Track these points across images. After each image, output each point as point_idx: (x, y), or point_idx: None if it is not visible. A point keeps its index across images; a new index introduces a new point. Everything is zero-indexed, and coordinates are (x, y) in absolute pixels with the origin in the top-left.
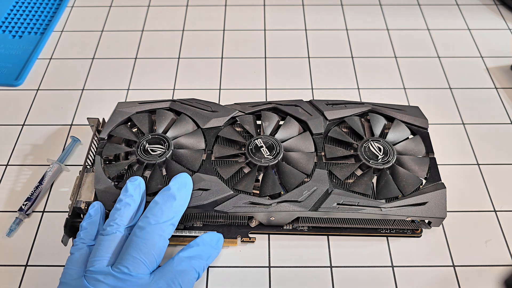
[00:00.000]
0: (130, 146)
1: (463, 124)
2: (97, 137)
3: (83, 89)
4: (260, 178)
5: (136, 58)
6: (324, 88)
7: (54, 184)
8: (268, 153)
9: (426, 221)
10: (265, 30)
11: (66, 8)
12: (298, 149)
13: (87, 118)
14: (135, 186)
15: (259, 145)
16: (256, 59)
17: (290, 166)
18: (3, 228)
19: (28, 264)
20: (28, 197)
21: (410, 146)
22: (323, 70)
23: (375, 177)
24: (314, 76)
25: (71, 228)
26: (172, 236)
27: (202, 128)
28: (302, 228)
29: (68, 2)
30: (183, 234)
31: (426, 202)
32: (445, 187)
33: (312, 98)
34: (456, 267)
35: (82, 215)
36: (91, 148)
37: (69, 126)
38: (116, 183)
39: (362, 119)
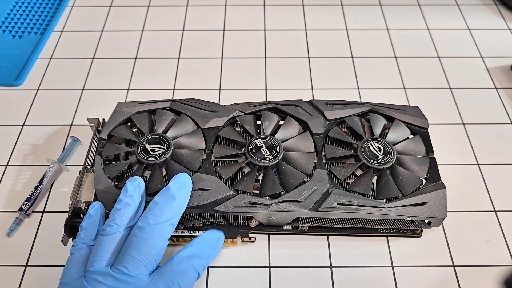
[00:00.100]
0: (130, 146)
1: (463, 124)
2: (97, 137)
3: (83, 89)
4: (260, 178)
5: (136, 58)
6: (324, 88)
7: (54, 184)
8: (268, 153)
9: (426, 221)
10: (265, 30)
11: (66, 8)
12: (298, 149)
13: (87, 118)
14: (135, 186)
15: (259, 145)
16: (256, 59)
17: (290, 166)
18: (3, 228)
19: (28, 264)
20: (28, 197)
21: (410, 146)
22: (323, 70)
23: (375, 177)
24: (314, 76)
25: (71, 228)
26: (172, 236)
27: (202, 128)
28: (302, 228)
29: (68, 2)
30: (183, 234)
31: (426, 202)
32: (445, 187)
33: (312, 98)
34: (456, 267)
35: (82, 215)
36: (91, 148)
37: (69, 126)
38: (116, 183)
39: (362, 119)
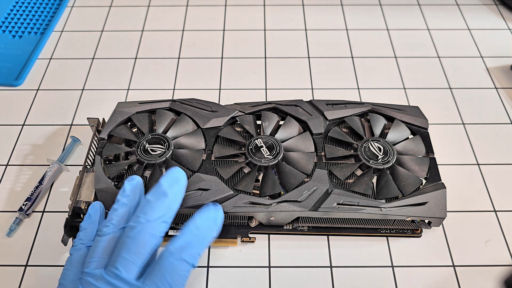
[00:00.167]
0: (130, 146)
1: (463, 124)
2: (97, 137)
3: (83, 89)
4: (260, 178)
5: (136, 58)
6: (324, 88)
7: (54, 184)
8: (268, 153)
9: (426, 221)
10: (265, 30)
11: (66, 8)
12: (298, 149)
13: (87, 118)
14: (133, 186)
15: (259, 145)
16: (256, 59)
17: (290, 166)
18: (3, 228)
19: (28, 264)
20: (28, 197)
21: (410, 146)
22: (323, 70)
23: (375, 177)
24: (314, 76)
25: (71, 228)
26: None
27: (202, 128)
28: (302, 228)
29: (68, 2)
30: None
31: (426, 202)
32: (445, 187)
33: (312, 98)
34: (456, 267)
35: (82, 215)
36: (91, 148)
37: (69, 126)
38: (116, 183)
39: (362, 119)
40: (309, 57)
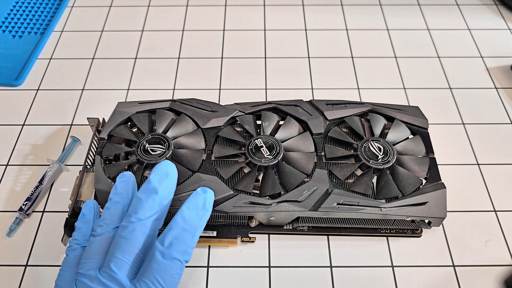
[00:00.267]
0: (130, 146)
1: (463, 124)
2: (97, 137)
3: (83, 89)
4: (260, 178)
5: (136, 58)
6: (324, 88)
7: (54, 184)
8: (268, 153)
9: (426, 221)
10: (265, 30)
11: (66, 8)
12: (298, 149)
13: (87, 118)
14: (124, 183)
15: (259, 145)
16: (256, 59)
17: (290, 166)
18: (3, 228)
19: (28, 264)
20: (28, 197)
21: (410, 146)
22: (323, 70)
23: (375, 177)
24: (314, 76)
25: (71, 228)
26: None
27: (202, 128)
28: (302, 228)
29: (68, 2)
30: None
31: (426, 202)
32: (445, 187)
33: (312, 98)
34: (456, 267)
35: None
36: (91, 148)
37: (69, 126)
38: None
39: (362, 119)
40: (309, 57)
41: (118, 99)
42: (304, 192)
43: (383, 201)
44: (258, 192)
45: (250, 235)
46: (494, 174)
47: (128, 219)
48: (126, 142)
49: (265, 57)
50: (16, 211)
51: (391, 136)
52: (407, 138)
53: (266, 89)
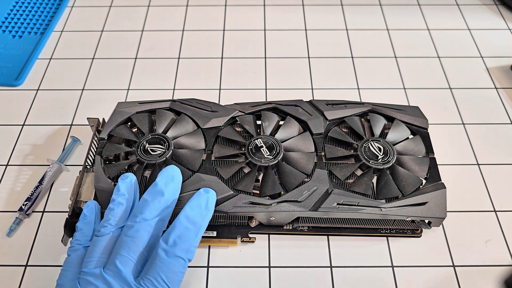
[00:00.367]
0: (130, 146)
1: (463, 124)
2: (97, 137)
3: (83, 89)
4: (260, 178)
5: (136, 58)
6: (324, 88)
7: (54, 184)
8: (268, 153)
9: (426, 221)
10: (265, 30)
11: (66, 8)
12: (298, 149)
13: (87, 118)
14: (127, 184)
15: (259, 145)
16: (256, 59)
17: (290, 166)
18: (3, 228)
19: (28, 264)
20: (28, 197)
21: (410, 146)
22: (323, 70)
23: (375, 177)
24: (314, 76)
25: (71, 228)
26: None
27: (202, 128)
28: (302, 228)
29: (68, 2)
30: None
31: (426, 202)
32: (445, 187)
33: (312, 98)
34: (456, 267)
35: None
36: (91, 148)
37: (69, 126)
38: (116, 183)
39: (362, 119)
40: (309, 57)
41: (118, 99)
42: (304, 192)
43: (383, 201)
44: (258, 192)
45: (250, 235)
46: (494, 174)
47: (133, 219)
48: (126, 142)
49: (265, 57)
50: (16, 211)
51: (391, 136)
52: (407, 138)
53: (266, 89)
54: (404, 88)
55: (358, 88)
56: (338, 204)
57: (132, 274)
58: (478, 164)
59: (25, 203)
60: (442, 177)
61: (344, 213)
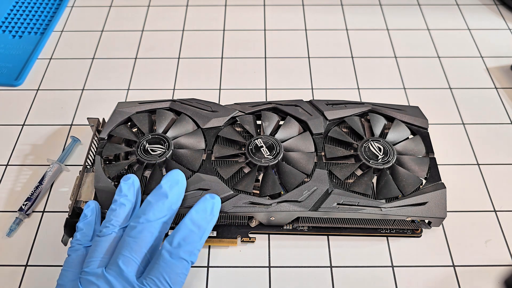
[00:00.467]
0: (130, 146)
1: (463, 124)
2: (97, 137)
3: (83, 89)
4: (260, 178)
5: (136, 58)
6: (324, 88)
7: (54, 184)
8: (268, 153)
9: (426, 221)
10: (265, 30)
11: (66, 8)
12: (298, 149)
13: (87, 118)
14: (129, 185)
15: (259, 145)
16: (256, 59)
17: (290, 166)
18: (3, 228)
19: (28, 264)
20: (28, 197)
21: (410, 146)
22: (323, 70)
23: (375, 177)
24: (314, 76)
25: (71, 228)
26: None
27: (202, 128)
28: (302, 228)
29: (68, 2)
30: None
31: (426, 202)
32: (445, 187)
33: (312, 98)
34: (456, 267)
35: None
36: (91, 148)
37: (69, 126)
38: (116, 183)
39: (362, 119)
40: (309, 57)
41: (118, 99)
42: (304, 192)
43: (383, 201)
44: (258, 192)
45: (250, 235)
46: (494, 174)
47: (136, 219)
48: (126, 142)
49: (265, 57)
50: (16, 211)
51: (391, 136)
52: (407, 138)
53: (266, 89)
54: (404, 88)
55: (358, 88)
56: (338, 204)
57: (134, 273)
58: (478, 164)
59: (25, 203)
60: (442, 177)
61: (344, 213)
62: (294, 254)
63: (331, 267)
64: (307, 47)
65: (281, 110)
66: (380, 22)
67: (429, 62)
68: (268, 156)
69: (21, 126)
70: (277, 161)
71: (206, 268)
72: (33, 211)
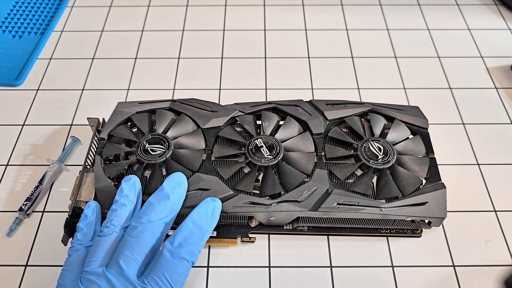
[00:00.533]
0: (130, 146)
1: (463, 124)
2: (97, 137)
3: (83, 89)
4: (260, 178)
5: (136, 58)
6: (324, 88)
7: (54, 184)
8: (268, 153)
9: (426, 221)
10: (265, 30)
11: (66, 8)
12: (298, 149)
13: (87, 118)
14: (130, 186)
15: (259, 145)
16: (256, 59)
17: (290, 166)
18: (3, 228)
19: (28, 264)
20: (28, 197)
21: (410, 146)
22: (323, 70)
23: (375, 177)
24: (314, 76)
25: (71, 228)
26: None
27: (202, 128)
28: (302, 228)
29: (68, 2)
30: None
31: (426, 202)
32: (445, 187)
33: (312, 98)
34: (456, 267)
35: None
36: (91, 148)
37: (69, 126)
38: (116, 183)
39: (362, 119)
40: (309, 57)
41: (118, 99)
42: (304, 192)
43: (383, 201)
44: (258, 192)
45: (250, 235)
46: (494, 174)
47: (138, 220)
48: (126, 142)
49: (265, 57)
50: (16, 211)
51: (391, 136)
52: (407, 138)
53: (266, 89)
54: (404, 88)
55: (358, 88)
56: (338, 204)
57: (135, 273)
58: (478, 164)
59: (25, 203)
60: (442, 177)
61: (344, 213)
62: (294, 254)
63: (331, 267)
64: (307, 47)
65: (281, 110)
66: (380, 22)
67: (429, 62)
68: (268, 156)
69: (21, 126)
70: (277, 161)
71: (206, 268)
72: (33, 211)
